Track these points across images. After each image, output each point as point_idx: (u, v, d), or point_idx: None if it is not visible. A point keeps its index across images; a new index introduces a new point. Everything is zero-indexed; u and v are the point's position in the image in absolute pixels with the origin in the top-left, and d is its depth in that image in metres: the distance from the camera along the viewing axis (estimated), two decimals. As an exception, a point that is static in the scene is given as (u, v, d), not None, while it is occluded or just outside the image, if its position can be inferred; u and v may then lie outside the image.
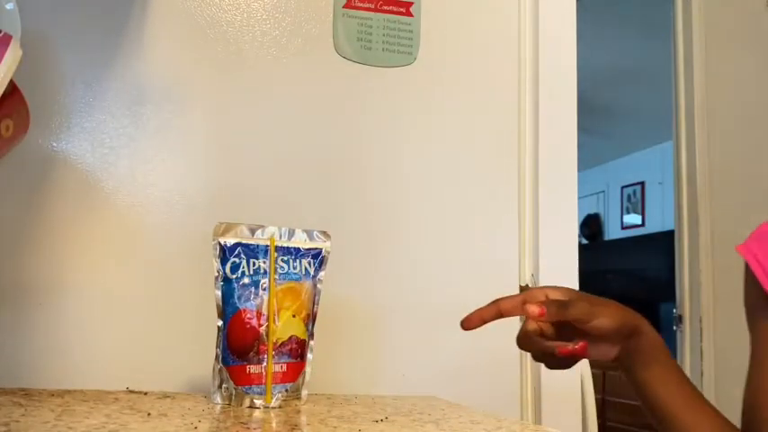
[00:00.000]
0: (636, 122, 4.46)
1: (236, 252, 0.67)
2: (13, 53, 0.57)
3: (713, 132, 1.97)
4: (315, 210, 0.90)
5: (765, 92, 1.88)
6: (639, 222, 5.07)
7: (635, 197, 5.14)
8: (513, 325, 0.96)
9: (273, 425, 0.58)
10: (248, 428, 0.55)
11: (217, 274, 0.68)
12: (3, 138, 0.63)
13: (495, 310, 0.69)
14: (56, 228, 0.81)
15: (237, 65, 0.89)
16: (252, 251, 0.68)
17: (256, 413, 0.63)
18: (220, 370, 0.67)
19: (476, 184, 0.97)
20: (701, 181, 1.96)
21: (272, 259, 0.68)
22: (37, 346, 0.79)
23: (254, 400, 0.66)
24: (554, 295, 0.67)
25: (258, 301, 0.67)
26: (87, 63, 0.84)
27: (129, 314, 0.82)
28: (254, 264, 0.67)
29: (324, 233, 0.72)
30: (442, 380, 0.91)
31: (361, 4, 0.95)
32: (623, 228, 5.24)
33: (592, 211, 5.53)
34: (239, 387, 0.66)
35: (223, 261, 0.67)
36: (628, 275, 4.76)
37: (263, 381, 0.66)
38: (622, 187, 5.26)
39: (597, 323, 0.65)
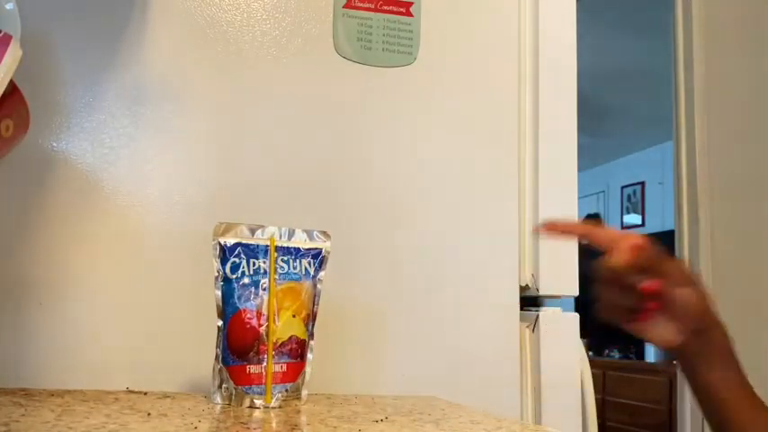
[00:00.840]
0: (636, 122, 4.46)
1: (236, 252, 0.67)
2: (13, 53, 0.57)
3: (713, 132, 1.97)
4: (315, 210, 0.90)
5: (765, 92, 1.88)
6: (639, 222, 5.07)
7: (635, 197, 5.14)
8: (512, 325, 0.96)
9: (273, 425, 0.58)
10: (248, 428, 0.55)
11: (217, 274, 0.68)
12: (3, 138, 0.63)
13: (583, 232, 0.64)
14: (56, 228, 0.81)
15: (237, 65, 0.89)
16: (252, 251, 0.68)
17: (256, 413, 0.63)
18: (220, 370, 0.67)
19: (476, 185, 0.97)
20: (701, 181, 1.96)
21: (272, 259, 0.68)
22: (37, 346, 0.79)
23: (254, 400, 0.66)
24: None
25: (258, 301, 0.67)
26: (87, 63, 0.84)
27: (129, 314, 0.82)
28: (254, 264, 0.67)
29: (324, 233, 0.72)
30: (441, 380, 0.91)
31: (361, 4, 0.95)
32: (623, 228, 5.24)
33: (592, 211, 5.53)
34: (239, 387, 0.66)
35: (223, 261, 0.67)
36: (628, 275, 4.75)
37: (263, 381, 0.66)
38: (622, 187, 5.27)
39: (684, 292, 0.61)
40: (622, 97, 4.10)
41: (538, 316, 0.95)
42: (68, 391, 0.73)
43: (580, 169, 1.01)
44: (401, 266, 0.92)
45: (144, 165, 0.85)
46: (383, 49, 0.95)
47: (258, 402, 0.66)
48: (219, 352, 0.67)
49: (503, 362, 0.94)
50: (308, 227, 0.72)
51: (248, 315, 0.66)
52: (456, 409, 0.73)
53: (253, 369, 0.66)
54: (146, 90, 0.86)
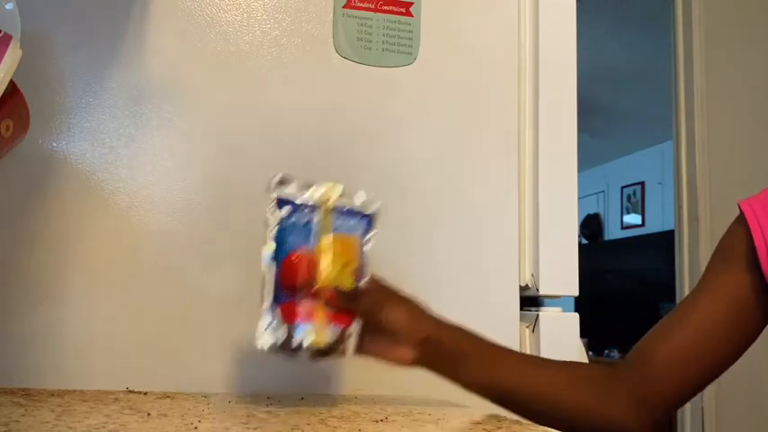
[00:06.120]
0: (636, 122, 4.46)
1: (290, 206, 0.67)
2: (13, 53, 0.57)
3: (713, 132, 1.97)
4: (315, 210, 0.90)
5: (765, 91, 1.88)
6: (639, 222, 5.07)
7: (635, 197, 5.14)
8: (512, 325, 0.96)
9: (273, 425, 0.58)
10: (248, 428, 0.55)
11: (271, 223, 0.67)
12: (3, 138, 0.63)
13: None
14: (56, 228, 0.81)
15: (237, 65, 0.89)
16: (306, 206, 0.68)
17: (256, 413, 0.63)
18: (271, 307, 0.64)
19: (476, 185, 0.97)
20: (701, 181, 1.96)
21: (326, 213, 0.68)
22: (37, 346, 0.78)
23: (303, 341, 0.63)
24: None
25: (311, 246, 0.66)
26: (87, 63, 0.84)
27: (129, 314, 0.82)
28: (307, 216, 0.67)
29: (372, 200, 0.72)
30: (442, 380, 0.91)
31: (361, 4, 0.95)
32: (623, 228, 5.24)
33: (592, 211, 5.53)
34: (289, 326, 0.64)
35: (279, 208, 0.67)
36: (628, 275, 4.76)
37: (314, 320, 0.65)
38: (622, 187, 5.27)
39: (388, 312, 0.66)
40: (622, 97, 4.09)
41: (538, 316, 0.95)
42: (68, 391, 0.73)
43: (580, 169, 1.01)
44: (401, 266, 0.92)
45: (144, 165, 0.85)
46: (383, 50, 0.95)
47: (307, 342, 0.63)
48: (268, 293, 0.65)
49: (503, 362, 0.94)
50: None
51: (301, 258, 0.66)
52: (456, 409, 0.73)
53: (303, 307, 0.65)
54: (146, 90, 0.86)
